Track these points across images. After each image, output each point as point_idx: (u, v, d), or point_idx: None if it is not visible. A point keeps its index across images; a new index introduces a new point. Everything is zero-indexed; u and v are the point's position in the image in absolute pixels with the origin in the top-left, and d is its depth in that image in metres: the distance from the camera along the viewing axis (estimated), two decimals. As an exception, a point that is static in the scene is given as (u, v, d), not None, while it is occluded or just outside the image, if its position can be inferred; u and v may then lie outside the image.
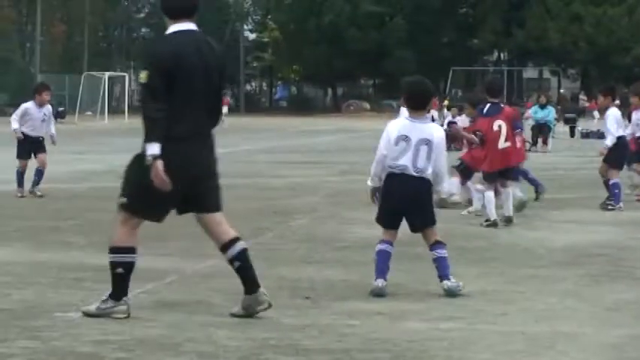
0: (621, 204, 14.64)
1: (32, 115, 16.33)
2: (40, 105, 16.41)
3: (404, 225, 8.34)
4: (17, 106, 17.43)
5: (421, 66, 76.61)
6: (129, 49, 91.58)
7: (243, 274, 7.18)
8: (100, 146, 31.90)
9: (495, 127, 12.55)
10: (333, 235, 11.78)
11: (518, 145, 13.12)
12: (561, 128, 41.05)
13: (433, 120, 15.18)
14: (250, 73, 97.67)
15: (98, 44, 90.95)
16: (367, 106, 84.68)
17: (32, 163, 16.34)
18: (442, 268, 8.16)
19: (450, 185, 13.07)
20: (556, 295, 8.21)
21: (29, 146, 16.39)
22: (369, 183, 8.50)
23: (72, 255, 10.11)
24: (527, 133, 26.95)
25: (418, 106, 8.29)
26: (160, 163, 6.73)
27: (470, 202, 14.14)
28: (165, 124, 6.80)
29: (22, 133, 16.31)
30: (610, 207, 14.61)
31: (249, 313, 7.15)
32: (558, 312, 7.58)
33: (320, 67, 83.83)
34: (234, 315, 7.17)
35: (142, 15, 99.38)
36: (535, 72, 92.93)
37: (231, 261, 7.20)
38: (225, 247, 7.19)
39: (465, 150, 15.25)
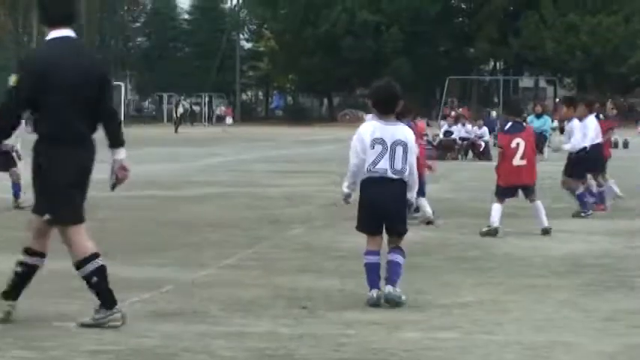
0: (591, 211, 15.17)
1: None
2: None
3: None
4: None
5: (417, 75, 76.69)
6: (125, 58, 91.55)
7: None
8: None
9: (513, 145, 12.92)
10: (329, 245, 11.76)
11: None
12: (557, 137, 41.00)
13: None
14: (246, 82, 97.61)
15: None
16: (363, 115, 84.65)
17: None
18: (392, 273, 8.11)
19: (422, 203, 13.38)
20: (552, 305, 8.21)
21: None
22: (345, 190, 8.44)
23: (67, 264, 10.05)
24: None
25: (387, 110, 8.33)
26: None
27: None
28: (9, 127, 7.22)
29: None
30: (582, 214, 15.00)
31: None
32: (554, 321, 7.57)
33: (316, 76, 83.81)
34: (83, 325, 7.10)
35: (138, 24, 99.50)
36: (531, 81, 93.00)
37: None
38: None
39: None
